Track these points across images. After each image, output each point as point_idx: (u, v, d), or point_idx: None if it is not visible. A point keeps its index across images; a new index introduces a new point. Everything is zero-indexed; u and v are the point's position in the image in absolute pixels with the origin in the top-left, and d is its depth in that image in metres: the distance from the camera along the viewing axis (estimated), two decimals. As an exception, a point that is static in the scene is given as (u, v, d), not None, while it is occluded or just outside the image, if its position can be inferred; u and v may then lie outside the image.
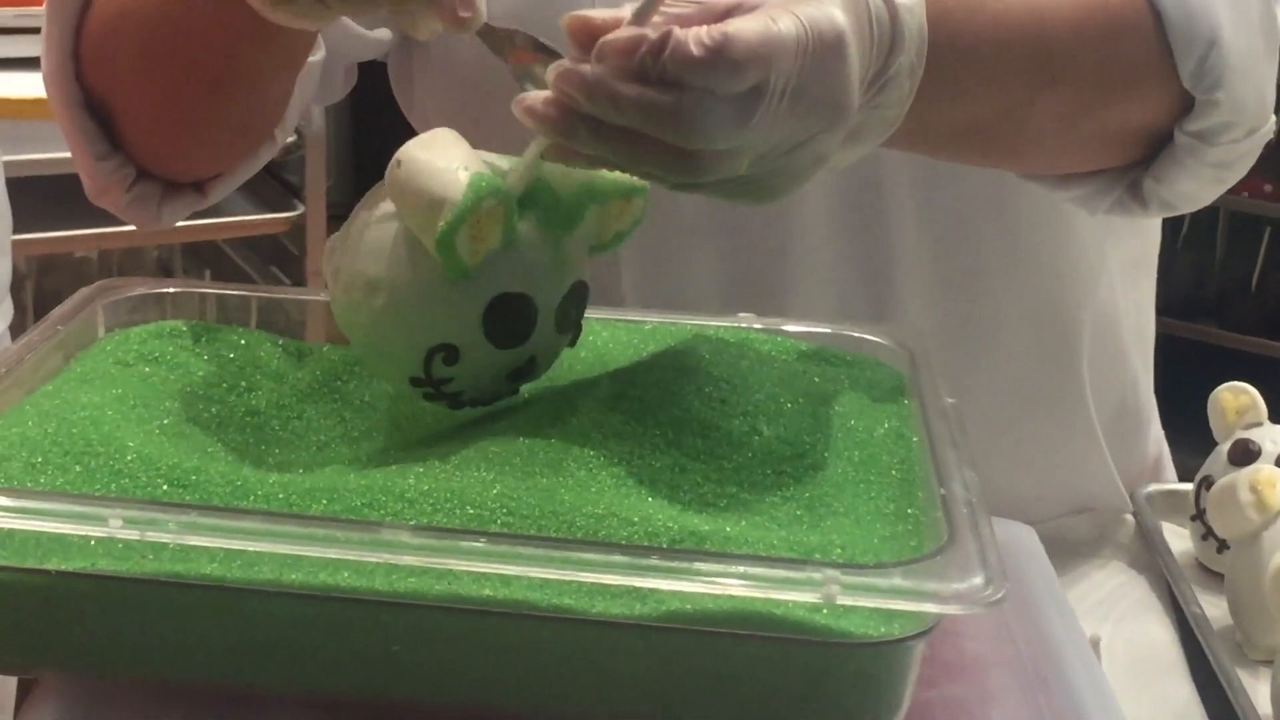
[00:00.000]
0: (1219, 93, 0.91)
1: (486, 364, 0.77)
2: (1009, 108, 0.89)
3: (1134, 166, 0.96)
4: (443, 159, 0.74)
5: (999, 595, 0.63)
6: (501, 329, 0.76)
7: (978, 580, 0.64)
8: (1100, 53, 0.90)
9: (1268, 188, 3.34)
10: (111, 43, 0.96)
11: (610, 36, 0.70)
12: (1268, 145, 0.98)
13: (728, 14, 0.72)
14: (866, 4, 0.75)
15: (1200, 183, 0.96)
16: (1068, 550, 1.11)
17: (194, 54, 0.93)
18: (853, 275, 1.06)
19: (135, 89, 0.97)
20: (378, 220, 0.76)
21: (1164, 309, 1.24)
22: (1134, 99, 0.93)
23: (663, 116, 0.70)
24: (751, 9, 0.72)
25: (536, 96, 0.71)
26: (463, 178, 0.73)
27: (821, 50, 0.71)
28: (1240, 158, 0.95)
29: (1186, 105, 0.93)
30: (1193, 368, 2.08)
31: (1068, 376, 1.12)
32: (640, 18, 0.71)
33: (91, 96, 0.98)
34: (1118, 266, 1.14)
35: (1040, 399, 1.12)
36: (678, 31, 0.69)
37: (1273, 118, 0.96)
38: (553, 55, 0.78)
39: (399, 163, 0.75)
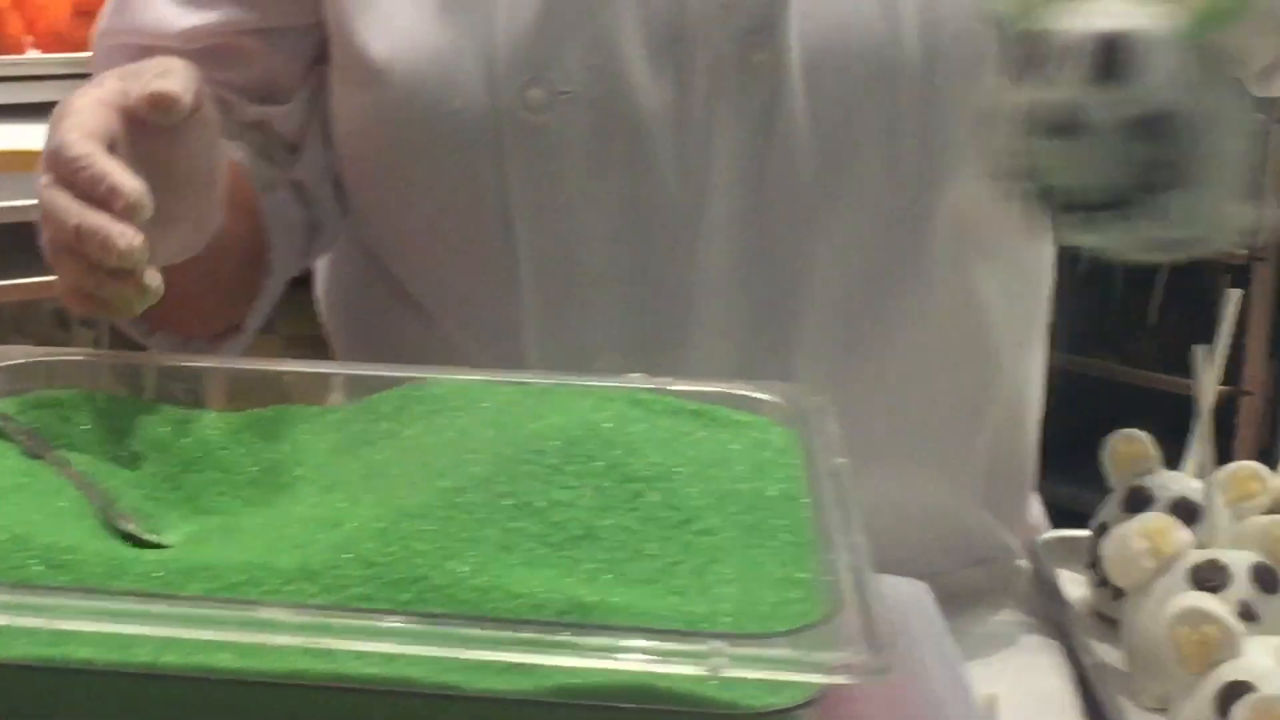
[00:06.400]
0: None
1: None
2: None
3: None
4: None
5: (886, 665, 0.63)
6: None
7: (865, 649, 0.63)
8: None
9: (1164, 222, 3.37)
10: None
11: None
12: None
13: None
14: None
15: None
16: (964, 600, 1.11)
17: None
18: (758, 328, 1.05)
19: None
20: None
21: (1062, 344, 1.25)
22: None
23: None
24: None
25: None
26: None
27: None
28: None
29: None
30: (1090, 403, 2.10)
31: (967, 437, 1.13)
32: None
33: None
34: (1017, 335, 1.15)
35: (940, 458, 1.12)
36: None
37: None
38: None
39: None
